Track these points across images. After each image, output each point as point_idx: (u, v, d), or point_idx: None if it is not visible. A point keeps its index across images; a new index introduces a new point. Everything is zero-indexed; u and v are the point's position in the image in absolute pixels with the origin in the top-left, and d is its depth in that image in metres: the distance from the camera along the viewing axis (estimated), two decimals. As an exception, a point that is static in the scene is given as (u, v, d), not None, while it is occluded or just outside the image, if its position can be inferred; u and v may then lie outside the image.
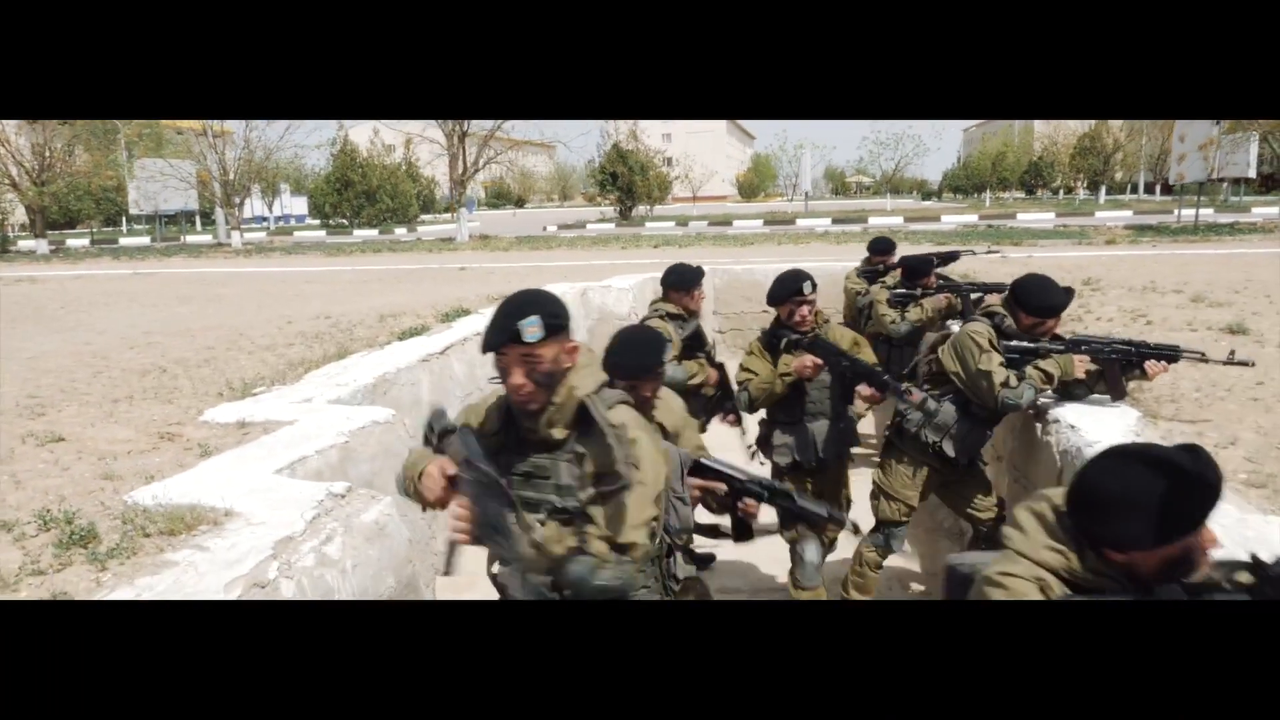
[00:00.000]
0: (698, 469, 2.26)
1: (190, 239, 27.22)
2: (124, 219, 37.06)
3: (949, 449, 3.62)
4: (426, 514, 2.01)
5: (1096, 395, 3.77)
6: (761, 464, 3.76)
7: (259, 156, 25.01)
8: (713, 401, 4.33)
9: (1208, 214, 22.35)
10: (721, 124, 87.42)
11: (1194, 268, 10.08)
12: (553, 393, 1.79)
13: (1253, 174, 19.39)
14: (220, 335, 6.95)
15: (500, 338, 1.73)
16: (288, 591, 2.23)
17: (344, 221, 34.47)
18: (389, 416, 3.96)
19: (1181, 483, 1.44)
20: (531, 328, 1.71)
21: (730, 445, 3.92)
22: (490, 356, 1.77)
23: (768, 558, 4.35)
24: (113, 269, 16.43)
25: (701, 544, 2.57)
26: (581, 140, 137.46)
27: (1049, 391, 3.65)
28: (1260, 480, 3.05)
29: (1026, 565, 1.58)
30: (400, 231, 30.74)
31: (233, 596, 2.10)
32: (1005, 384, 3.42)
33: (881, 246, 6.75)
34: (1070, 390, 3.75)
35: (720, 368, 4.37)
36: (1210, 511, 1.45)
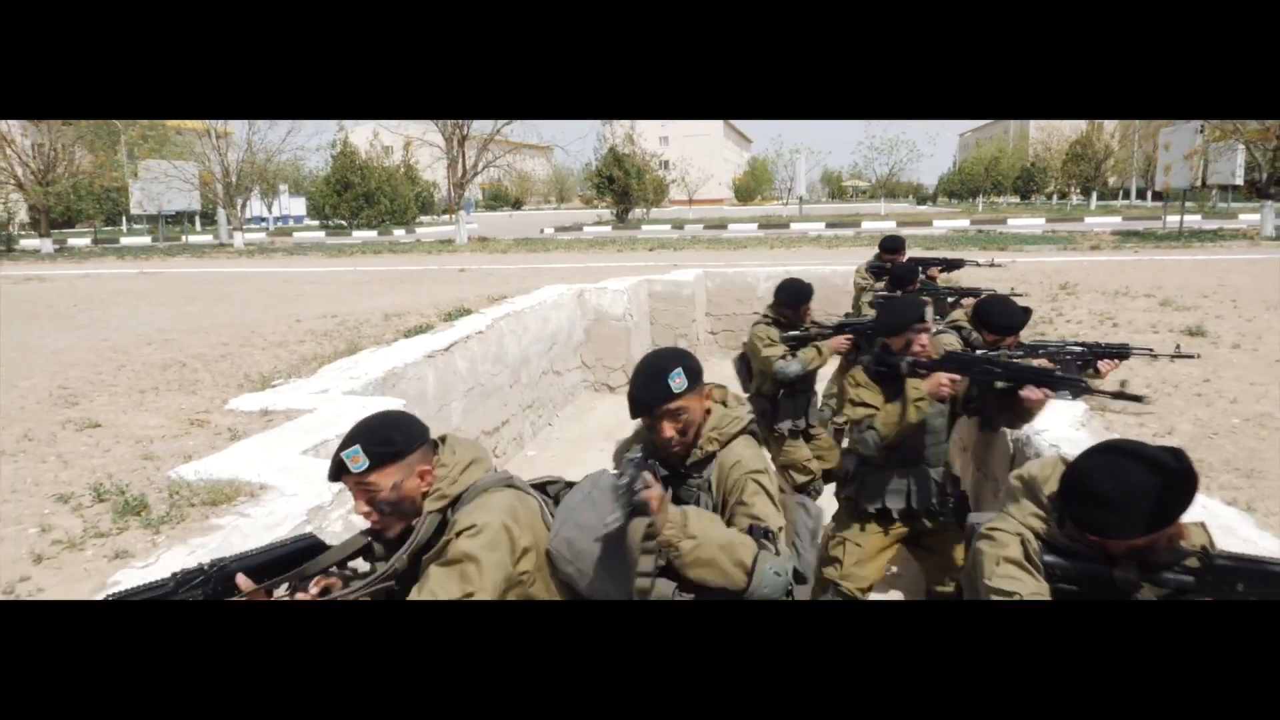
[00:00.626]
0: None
1: (191, 239, 27.51)
2: (124, 219, 37.33)
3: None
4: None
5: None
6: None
7: (260, 159, 25.31)
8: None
9: (1196, 220, 22.75)
10: (718, 127, 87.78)
11: (1170, 273, 10.42)
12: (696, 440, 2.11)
13: (1239, 181, 19.80)
14: (232, 333, 7.27)
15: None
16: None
17: (343, 223, 34.76)
18: (399, 406, 4.28)
19: (1165, 484, 1.66)
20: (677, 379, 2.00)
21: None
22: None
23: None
24: (118, 268, 16.71)
25: None
26: (579, 145, 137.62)
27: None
28: (1188, 464, 3.38)
29: (1014, 523, 1.90)
30: (399, 233, 31.05)
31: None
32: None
33: (892, 245, 7.01)
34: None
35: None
36: (1184, 511, 1.70)
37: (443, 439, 2.03)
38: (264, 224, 38.96)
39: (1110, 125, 43.41)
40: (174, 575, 1.68)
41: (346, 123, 35.88)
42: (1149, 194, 44.35)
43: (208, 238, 29.36)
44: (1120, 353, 3.95)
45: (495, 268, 14.04)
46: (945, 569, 3.50)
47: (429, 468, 1.90)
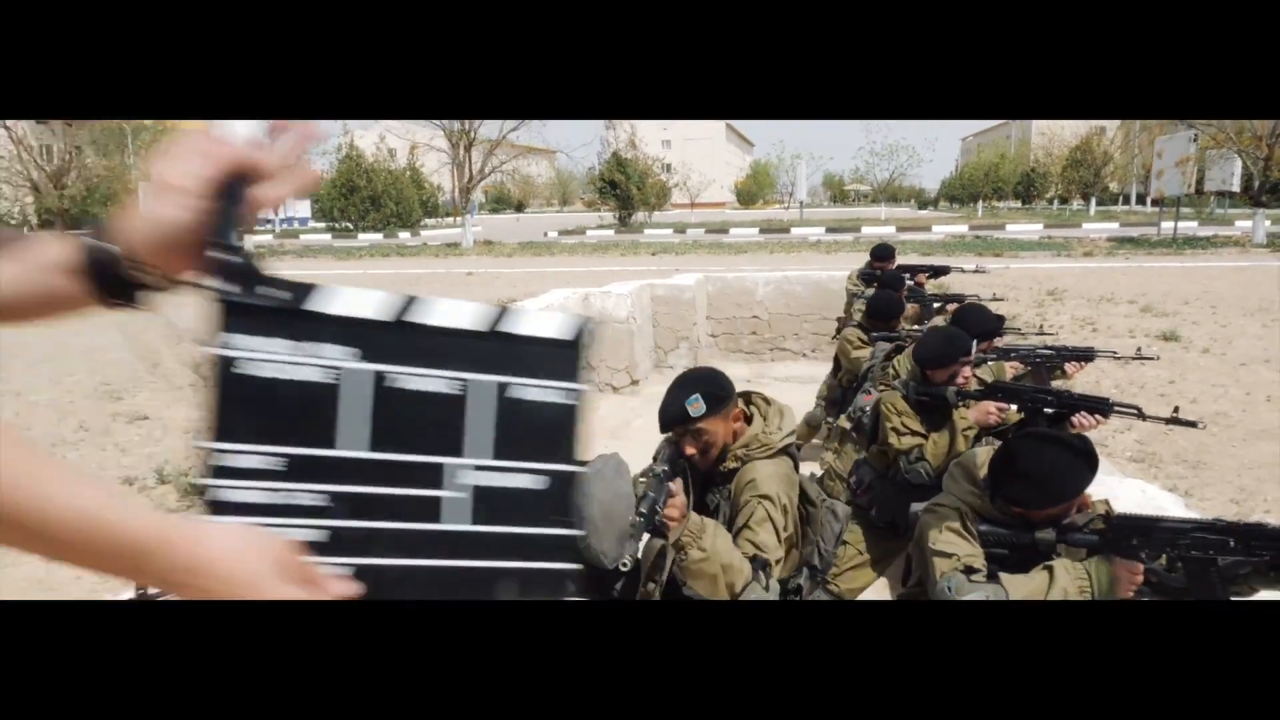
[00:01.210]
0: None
1: (200, 241, 27.76)
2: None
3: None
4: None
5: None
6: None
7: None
8: None
9: (1192, 226, 23.09)
10: (720, 131, 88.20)
11: (1157, 280, 10.78)
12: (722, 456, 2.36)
13: (1236, 188, 20.14)
14: (255, 333, 7.62)
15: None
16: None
17: (349, 225, 35.15)
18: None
19: (1072, 464, 2.06)
20: (694, 404, 2.22)
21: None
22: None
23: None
24: (132, 270, 17.05)
25: None
26: (583, 151, 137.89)
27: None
28: (1141, 457, 3.74)
29: (953, 499, 2.28)
30: (404, 235, 31.44)
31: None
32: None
33: (882, 253, 7.38)
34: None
35: None
36: (1088, 485, 2.09)
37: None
38: (270, 226, 39.37)
39: (1110, 130, 43.74)
40: None
41: (353, 126, 36.29)
42: (1148, 200, 44.74)
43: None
44: (1085, 355, 4.30)
45: (501, 271, 14.40)
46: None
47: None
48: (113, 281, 0.73)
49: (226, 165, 0.70)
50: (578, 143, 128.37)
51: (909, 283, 7.01)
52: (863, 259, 7.73)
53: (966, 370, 3.31)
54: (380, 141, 37.67)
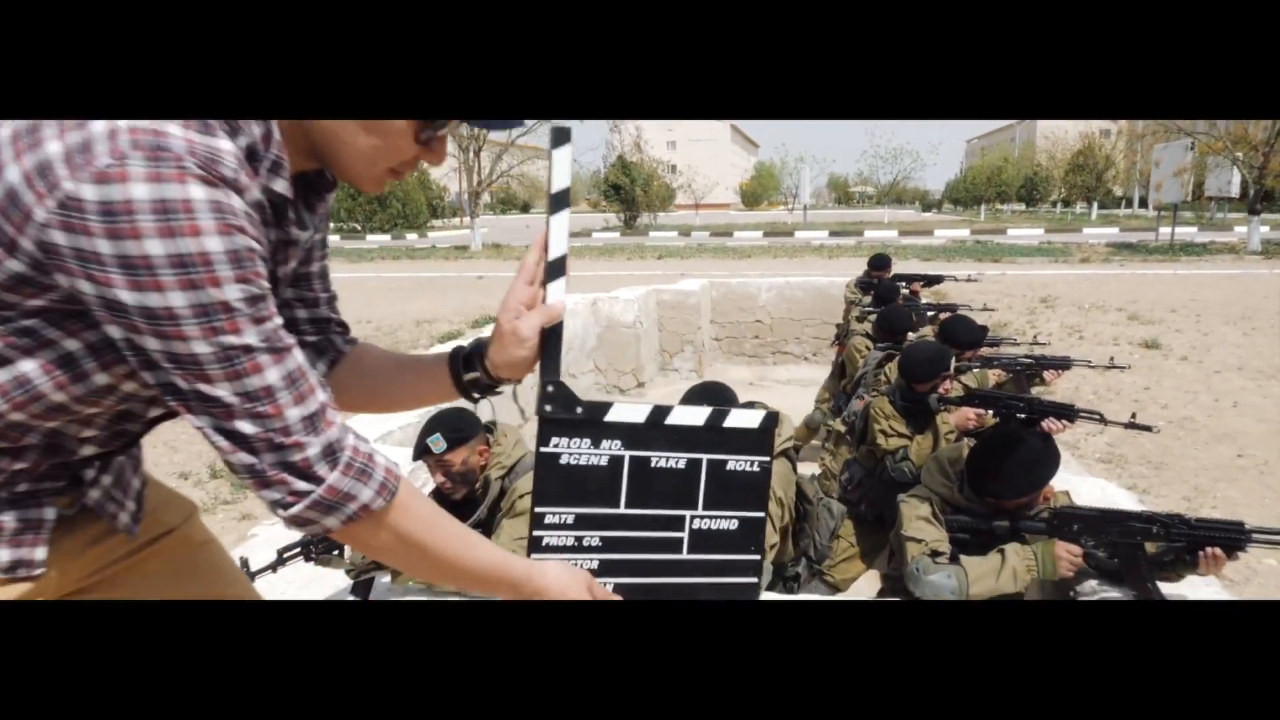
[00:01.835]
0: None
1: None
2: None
3: None
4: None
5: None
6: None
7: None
8: None
9: (1192, 232, 23.36)
10: (725, 133, 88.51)
11: (1149, 287, 11.08)
12: None
13: (1236, 194, 20.40)
14: (279, 336, 7.98)
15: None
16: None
17: (356, 226, 35.53)
18: (448, 404, 4.97)
19: (1035, 461, 2.40)
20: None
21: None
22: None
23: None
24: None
25: None
26: (589, 155, 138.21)
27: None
28: (1109, 458, 4.07)
29: (926, 490, 2.62)
30: (411, 237, 31.81)
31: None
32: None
33: (879, 263, 7.71)
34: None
35: None
36: (1050, 479, 2.43)
37: (492, 425, 2.72)
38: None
39: (1111, 136, 43.98)
40: None
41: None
42: (1150, 204, 44.97)
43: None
44: (1062, 364, 4.63)
45: (511, 275, 14.71)
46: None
47: (486, 448, 2.60)
48: (472, 384, 1.19)
49: (550, 321, 1.13)
50: (583, 146, 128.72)
51: (904, 291, 7.35)
52: (863, 264, 8.06)
53: (947, 384, 3.67)
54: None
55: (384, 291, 12.50)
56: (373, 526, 0.95)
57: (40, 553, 0.97)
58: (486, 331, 4.73)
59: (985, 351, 4.86)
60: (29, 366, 0.85)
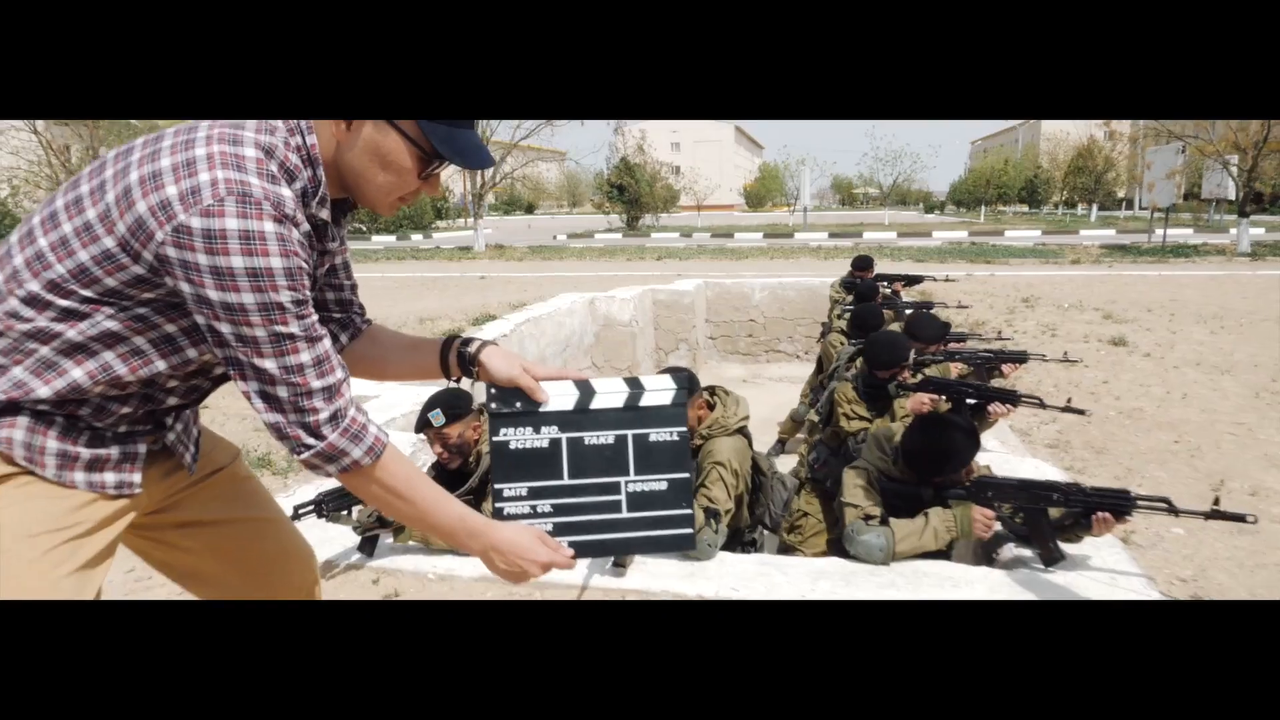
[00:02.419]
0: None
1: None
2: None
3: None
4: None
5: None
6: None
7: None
8: None
9: (1187, 234, 23.64)
10: (730, 134, 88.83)
11: (1132, 288, 11.39)
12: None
13: (1231, 195, 20.71)
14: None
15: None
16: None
17: (361, 227, 35.95)
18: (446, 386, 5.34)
19: (961, 443, 2.76)
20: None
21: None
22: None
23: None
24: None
25: None
26: (592, 158, 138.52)
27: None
28: (1056, 443, 4.41)
29: (864, 462, 2.98)
30: (416, 238, 32.22)
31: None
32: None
33: (862, 264, 8.06)
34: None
35: None
36: (970, 459, 2.80)
37: (484, 406, 3.10)
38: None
39: (1105, 135, 44.18)
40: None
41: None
42: (1138, 205, 45.15)
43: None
44: (1019, 358, 4.97)
45: (513, 275, 15.10)
46: None
47: (478, 424, 2.98)
48: (461, 369, 1.53)
49: (528, 389, 1.48)
50: (586, 148, 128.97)
51: (886, 290, 7.70)
52: (858, 265, 8.44)
53: (906, 373, 4.07)
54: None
55: (389, 290, 12.87)
56: (362, 478, 1.30)
57: (137, 478, 1.33)
58: (486, 328, 5.13)
59: (955, 346, 5.22)
60: (141, 341, 1.22)
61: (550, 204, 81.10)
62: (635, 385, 1.51)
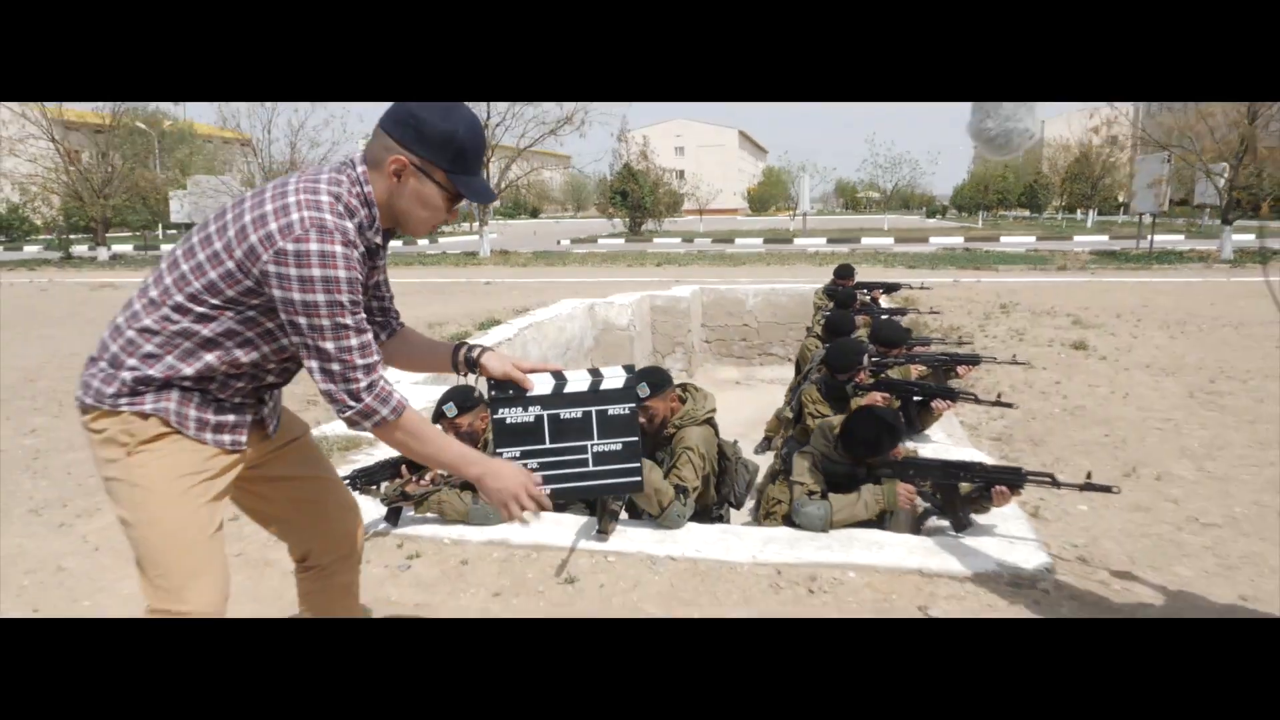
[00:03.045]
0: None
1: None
2: (160, 226, 39.40)
3: None
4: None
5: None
6: None
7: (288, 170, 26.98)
8: None
9: (1177, 239, 24.15)
10: (734, 138, 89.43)
11: (1109, 294, 11.89)
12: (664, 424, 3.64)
13: (1221, 202, 21.22)
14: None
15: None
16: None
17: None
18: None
19: (888, 430, 3.31)
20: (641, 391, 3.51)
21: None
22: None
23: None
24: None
25: None
26: (595, 166, 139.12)
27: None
28: (999, 436, 4.94)
29: (811, 448, 3.52)
30: (423, 243, 32.81)
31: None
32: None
33: (843, 272, 8.61)
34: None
35: None
36: (895, 445, 3.34)
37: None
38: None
39: (1101, 134, 44.59)
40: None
41: (367, 131, 37.38)
42: (1125, 212, 45.54)
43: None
44: (972, 360, 5.52)
45: (517, 281, 15.65)
46: None
47: (486, 415, 3.53)
48: (467, 368, 2.07)
49: (518, 380, 2.03)
50: (589, 160, 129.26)
51: (865, 298, 8.25)
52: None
53: (863, 374, 4.65)
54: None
55: (399, 296, 13.38)
56: (389, 429, 1.81)
57: (244, 438, 1.88)
58: (491, 332, 5.72)
59: (917, 350, 5.77)
60: (251, 334, 1.77)
61: (555, 208, 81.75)
62: (596, 374, 2.05)
